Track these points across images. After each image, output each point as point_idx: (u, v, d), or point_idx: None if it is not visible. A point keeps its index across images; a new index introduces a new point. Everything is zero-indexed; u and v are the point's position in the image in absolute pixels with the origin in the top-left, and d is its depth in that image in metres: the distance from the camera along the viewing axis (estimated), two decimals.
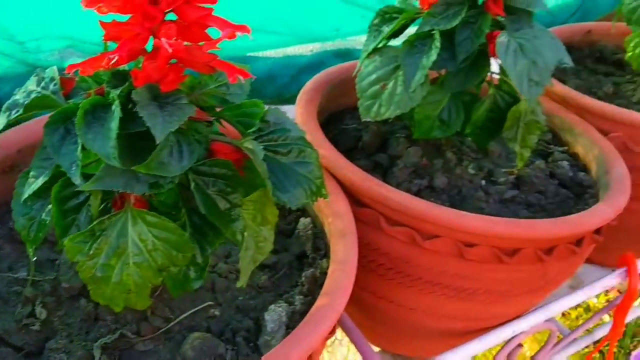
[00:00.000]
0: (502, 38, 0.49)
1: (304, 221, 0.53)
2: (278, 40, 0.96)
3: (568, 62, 0.56)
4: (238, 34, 0.33)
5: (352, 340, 0.55)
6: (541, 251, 0.50)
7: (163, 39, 0.30)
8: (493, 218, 0.49)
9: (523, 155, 0.56)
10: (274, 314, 0.46)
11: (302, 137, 0.39)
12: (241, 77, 0.35)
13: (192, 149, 0.34)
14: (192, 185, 0.34)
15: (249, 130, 0.37)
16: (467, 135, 0.57)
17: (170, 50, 0.30)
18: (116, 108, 0.31)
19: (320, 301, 0.43)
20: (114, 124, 0.31)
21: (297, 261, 0.52)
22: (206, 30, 0.34)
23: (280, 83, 0.97)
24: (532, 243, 0.49)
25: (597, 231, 0.54)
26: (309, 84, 0.64)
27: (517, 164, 0.57)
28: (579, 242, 0.52)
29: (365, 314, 0.60)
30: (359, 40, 1.03)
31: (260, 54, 0.95)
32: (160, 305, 0.46)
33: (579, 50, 0.86)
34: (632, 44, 0.69)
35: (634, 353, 1.26)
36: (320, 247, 0.52)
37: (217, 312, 0.47)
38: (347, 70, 0.68)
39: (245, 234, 0.37)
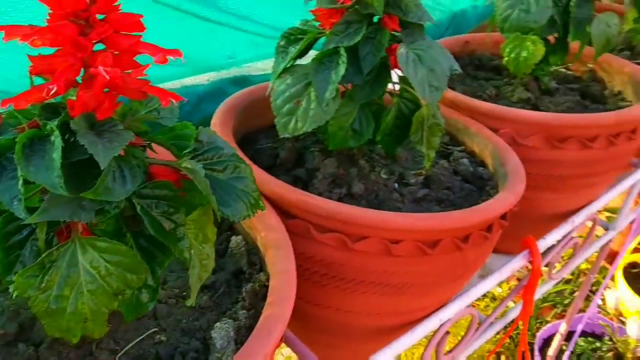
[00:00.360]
0: (401, 50, 0.53)
1: (235, 239, 0.55)
2: (175, 71, 0.96)
3: (457, 68, 0.61)
4: (170, 58, 0.34)
5: (295, 351, 0.56)
6: (458, 240, 0.54)
7: (100, 67, 0.31)
8: (414, 214, 0.53)
9: (429, 155, 0.61)
10: (221, 330, 0.46)
11: (234, 153, 0.41)
12: (173, 101, 0.36)
13: (134, 173, 0.35)
14: (139, 208, 0.35)
15: (184, 151, 0.38)
16: (377, 142, 0.61)
17: (108, 77, 0.31)
18: (56, 139, 0.32)
19: (267, 311, 0.44)
20: (57, 155, 0.31)
21: (235, 278, 0.53)
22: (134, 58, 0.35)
23: (182, 112, 0.97)
24: (450, 233, 0.53)
25: (503, 217, 0.60)
26: (221, 108, 0.66)
27: (425, 164, 0.62)
28: (489, 228, 0.57)
29: (302, 323, 0.62)
30: (253, 67, 1.05)
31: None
32: (104, 338, 0.45)
33: (460, 60, 0.94)
34: (507, 50, 0.77)
35: (538, 334, 1.36)
36: (255, 262, 0.53)
37: (163, 338, 0.47)
38: (255, 93, 0.71)
39: (192, 251, 0.38)
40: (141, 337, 0.46)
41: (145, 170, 0.37)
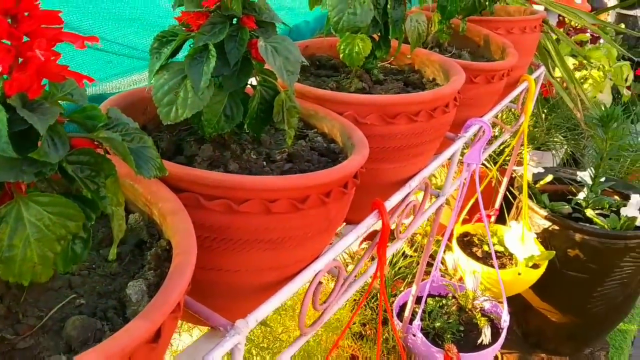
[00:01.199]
0: (261, 43, 0.65)
1: (133, 216, 0.62)
2: None
3: (304, 61, 0.74)
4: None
5: (196, 312, 0.65)
6: (322, 195, 0.66)
7: (37, 50, 0.38)
8: (287, 176, 0.64)
9: (290, 134, 0.73)
10: (135, 287, 0.54)
11: (138, 127, 0.49)
12: (87, 82, 0.44)
13: (63, 141, 0.42)
14: (70, 170, 0.42)
15: (99, 125, 0.46)
16: (246, 125, 0.72)
17: (43, 59, 0.38)
18: (1, 112, 0.38)
19: (175, 260, 0.52)
20: (2, 125, 0.38)
21: (138, 248, 0.60)
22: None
23: None
24: (316, 189, 0.65)
25: (355, 177, 0.73)
26: (102, 106, 0.73)
27: (287, 141, 0.73)
28: (345, 185, 0.70)
29: (198, 290, 0.70)
30: (108, 85, 1.10)
31: None
32: (28, 307, 0.51)
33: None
34: (342, 47, 0.92)
35: (394, 303, 1.53)
36: (154, 233, 0.61)
37: (82, 301, 0.53)
38: (132, 96, 0.78)
39: (112, 208, 0.46)
40: (62, 303, 0.52)
41: (69, 141, 0.44)
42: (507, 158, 1.94)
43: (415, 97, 0.89)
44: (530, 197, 1.85)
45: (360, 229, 0.84)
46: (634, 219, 1.73)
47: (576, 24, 3.62)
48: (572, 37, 3.32)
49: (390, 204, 0.91)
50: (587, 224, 1.79)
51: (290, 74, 0.65)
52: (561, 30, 3.51)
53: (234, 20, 0.68)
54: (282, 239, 0.67)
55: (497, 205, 1.86)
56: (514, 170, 1.94)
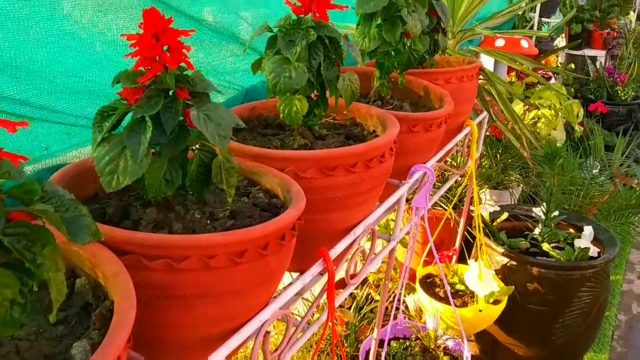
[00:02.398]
0: (193, 112, 0.71)
1: (80, 280, 0.66)
2: None
3: (241, 124, 0.80)
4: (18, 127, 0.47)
5: None
6: (260, 248, 0.71)
7: None
8: (224, 232, 0.69)
9: (230, 192, 0.78)
10: (79, 347, 0.57)
11: (73, 198, 0.54)
12: (21, 160, 0.49)
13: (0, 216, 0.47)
14: (6, 241, 0.47)
15: (35, 199, 0.51)
16: (188, 188, 0.77)
17: None
18: None
19: (115, 318, 0.56)
20: None
21: (84, 310, 0.64)
22: None
23: None
24: (253, 243, 0.70)
25: (293, 228, 0.78)
26: (50, 180, 0.77)
27: (228, 199, 0.78)
28: (283, 237, 0.75)
29: (147, 348, 0.74)
30: (68, 156, 1.15)
31: None
32: None
33: (250, 122, 1.14)
34: (281, 108, 0.99)
35: (361, 348, 1.56)
36: (100, 295, 0.65)
37: None
38: (82, 165, 0.83)
39: (50, 274, 0.50)
40: None
41: (7, 215, 0.48)
42: (463, 197, 2.01)
43: (351, 150, 0.95)
44: (488, 235, 1.92)
45: (306, 277, 0.88)
46: (587, 249, 1.80)
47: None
48: (524, 80, 3.48)
49: (335, 252, 0.95)
50: (544, 258, 1.85)
51: (223, 138, 0.71)
52: (512, 73, 3.68)
53: (171, 92, 0.74)
54: (224, 293, 0.71)
55: (456, 245, 1.92)
56: (471, 210, 2.01)
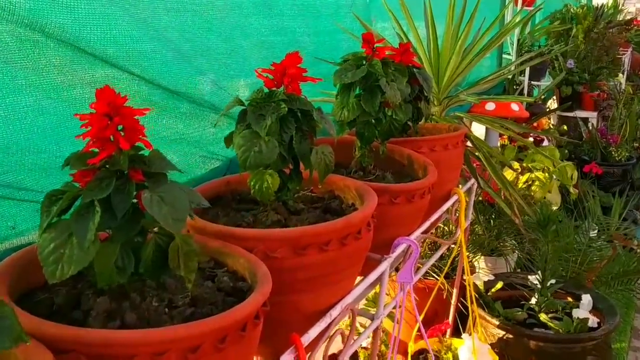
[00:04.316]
0: (145, 195, 0.66)
1: None
2: None
3: (205, 203, 0.76)
4: None
5: None
6: (217, 342, 0.65)
7: None
8: (175, 326, 0.63)
9: (190, 278, 0.73)
10: None
11: (2, 300, 0.49)
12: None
13: None
14: None
15: None
16: (143, 274, 0.72)
17: None
18: None
19: None
20: None
21: None
22: None
23: None
24: (210, 336, 0.64)
25: (257, 317, 0.72)
26: None
27: (187, 286, 0.73)
28: (244, 327, 0.69)
29: None
30: (35, 234, 1.10)
31: None
32: None
33: (225, 197, 1.10)
34: (252, 183, 0.95)
35: None
36: None
37: None
38: (29, 254, 0.78)
39: None
40: None
41: None
42: (456, 266, 1.94)
43: (324, 228, 0.90)
44: (482, 305, 1.85)
45: None
46: (585, 320, 1.72)
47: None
48: (516, 143, 3.47)
49: (309, 336, 0.89)
50: (542, 330, 1.77)
51: (176, 221, 0.66)
52: (505, 136, 3.68)
53: (124, 174, 0.70)
54: None
55: (450, 317, 1.84)
56: (464, 280, 1.94)
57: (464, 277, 1.95)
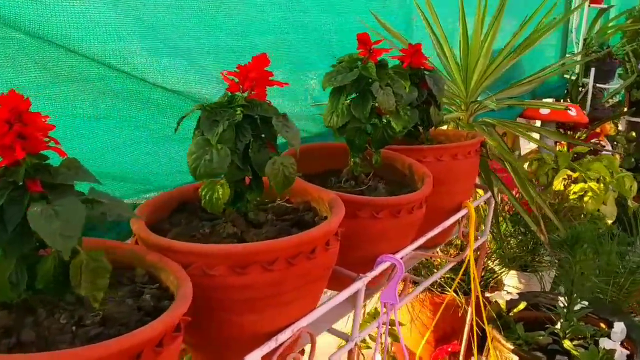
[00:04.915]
0: (34, 208, 0.62)
1: None
2: None
3: (127, 215, 0.71)
4: None
5: None
6: None
7: None
8: (55, 353, 0.59)
9: (96, 297, 0.68)
10: None
11: None
12: None
13: None
14: None
15: None
16: (43, 290, 0.68)
17: None
18: None
19: None
20: None
21: None
22: None
23: None
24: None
25: (159, 344, 0.67)
26: None
27: (94, 304, 0.68)
28: (159, 343, 0.64)
29: None
30: None
31: None
32: None
33: (192, 203, 1.05)
34: (203, 193, 0.89)
35: None
36: None
37: None
38: None
39: None
40: None
41: None
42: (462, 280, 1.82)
43: (267, 246, 0.83)
44: (500, 327, 1.72)
45: None
46: (612, 351, 1.56)
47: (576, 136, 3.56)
48: (572, 150, 3.25)
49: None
50: (566, 357, 1.62)
51: (66, 238, 0.61)
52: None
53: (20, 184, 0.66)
54: None
55: (464, 338, 1.72)
56: (486, 297, 1.81)
57: (487, 294, 1.82)
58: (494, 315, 1.71)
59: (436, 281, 1.89)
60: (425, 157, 1.34)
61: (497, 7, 1.78)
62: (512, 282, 2.15)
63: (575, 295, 1.65)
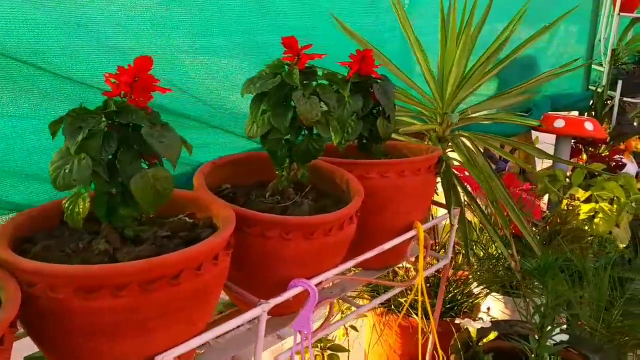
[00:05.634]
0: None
1: None
2: None
3: None
4: None
5: None
6: None
7: None
8: None
9: None
10: None
11: None
12: None
13: None
14: None
15: None
16: None
17: None
18: None
19: None
20: None
21: None
22: None
23: None
24: None
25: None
26: None
27: None
28: None
29: None
30: None
31: None
32: None
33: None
34: (66, 205, 0.82)
35: None
36: None
37: None
38: None
39: None
40: None
41: None
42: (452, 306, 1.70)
43: (121, 268, 0.75)
44: (470, 358, 1.59)
45: None
46: None
47: (597, 152, 3.36)
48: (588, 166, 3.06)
49: None
50: None
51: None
52: (581, 156, 3.27)
53: None
54: None
55: None
56: (459, 323, 1.68)
57: (458, 321, 1.70)
58: (459, 344, 1.59)
59: (398, 303, 1.77)
60: (368, 173, 1.24)
61: (482, 15, 1.65)
62: (497, 307, 2.01)
63: (547, 328, 1.51)
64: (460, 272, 1.87)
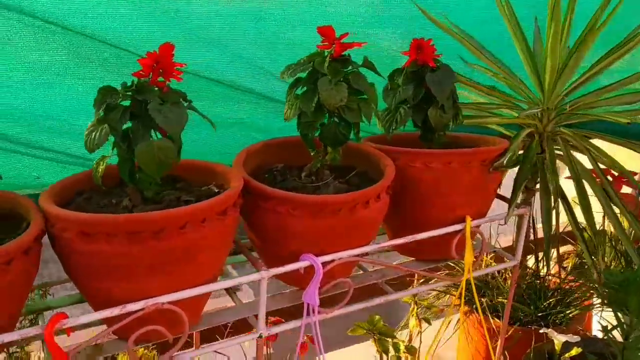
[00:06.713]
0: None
1: None
2: None
3: None
4: None
5: None
6: None
7: None
8: None
9: None
10: None
11: None
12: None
13: None
14: None
15: None
16: None
17: None
18: None
19: None
20: None
21: None
22: None
23: None
24: None
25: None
26: None
27: None
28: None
29: None
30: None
31: None
32: None
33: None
34: (94, 166, 1.00)
35: None
36: None
37: None
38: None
39: None
40: None
41: None
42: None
43: (109, 219, 0.90)
44: None
45: None
46: None
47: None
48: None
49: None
50: None
51: None
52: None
53: None
54: None
55: None
56: (545, 334, 1.58)
57: (542, 330, 1.59)
58: (533, 354, 1.50)
59: (492, 304, 1.70)
60: (413, 162, 1.25)
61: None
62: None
63: (629, 349, 1.35)
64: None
